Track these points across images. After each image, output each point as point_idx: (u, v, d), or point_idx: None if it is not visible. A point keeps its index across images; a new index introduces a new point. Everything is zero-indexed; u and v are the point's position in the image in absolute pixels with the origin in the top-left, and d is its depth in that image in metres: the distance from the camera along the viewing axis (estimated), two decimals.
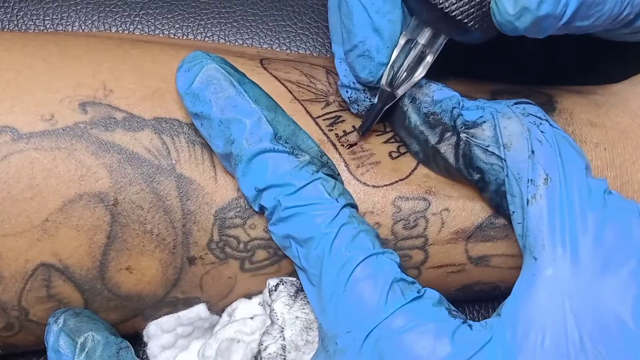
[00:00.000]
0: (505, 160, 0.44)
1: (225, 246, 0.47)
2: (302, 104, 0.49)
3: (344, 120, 0.49)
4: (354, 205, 0.45)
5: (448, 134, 0.46)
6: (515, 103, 0.46)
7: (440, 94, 0.47)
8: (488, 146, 0.44)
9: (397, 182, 0.48)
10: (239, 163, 0.44)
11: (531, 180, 0.42)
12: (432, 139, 0.46)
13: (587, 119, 0.51)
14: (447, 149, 0.46)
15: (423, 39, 0.47)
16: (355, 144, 0.48)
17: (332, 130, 0.49)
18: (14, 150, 0.44)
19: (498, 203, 0.46)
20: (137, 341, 0.50)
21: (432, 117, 0.46)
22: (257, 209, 0.45)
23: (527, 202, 0.42)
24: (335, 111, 0.50)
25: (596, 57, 0.62)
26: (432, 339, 0.40)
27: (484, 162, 0.45)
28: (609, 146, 0.50)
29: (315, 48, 0.63)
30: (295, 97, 0.49)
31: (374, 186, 0.48)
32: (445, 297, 0.51)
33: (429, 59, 0.47)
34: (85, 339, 0.45)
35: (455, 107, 0.46)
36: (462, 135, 0.45)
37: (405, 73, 0.47)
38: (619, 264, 0.41)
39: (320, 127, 0.49)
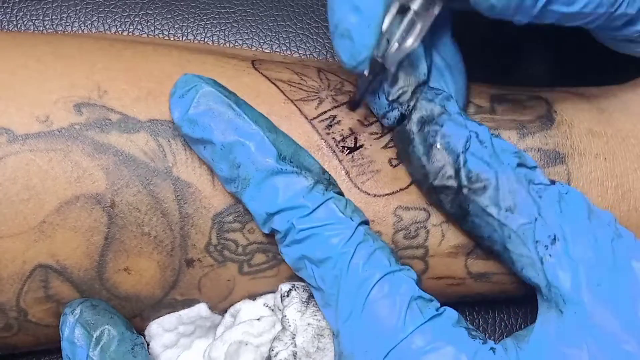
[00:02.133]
0: (506, 225, 0.43)
1: (224, 249, 0.47)
2: (295, 105, 0.48)
3: (339, 120, 0.49)
4: (367, 222, 0.45)
5: (449, 177, 0.45)
6: (519, 165, 0.45)
7: (449, 128, 0.45)
8: (487, 206, 0.44)
9: (398, 191, 0.48)
10: (247, 187, 0.44)
11: (539, 241, 0.43)
12: (432, 178, 0.45)
13: (588, 128, 0.51)
14: (445, 192, 0.45)
15: (415, 4, 0.44)
16: (355, 148, 0.48)
17: (329, 134, 0.48)
18: (10, 152, 0.44)
19: (483, 249, 0.47)
20: None
21: (436, 152, 0.45)
22: (267, 232, 0.45)
23: (541, 261, 0.42)
24: (329, 110, 0.49)
25: (598, 57, 0.61)
26: None
27: (479, 218, 0.44)
28: (609, 155, 0.50)
29: (315, 49, 0.63)
30: (288, 97, 0.49)
31: (375, 195, 0.47)
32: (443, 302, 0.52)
33: (419, 26, 0.44)
34: (101, 332, 0.45)
35: (462, 152, 0.45)
36: (463, 189, 0.44)
37: (397, 43, 0.44)
38: (636, 313, 0.41)
39: (317, 131, 0.48)
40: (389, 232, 0.47)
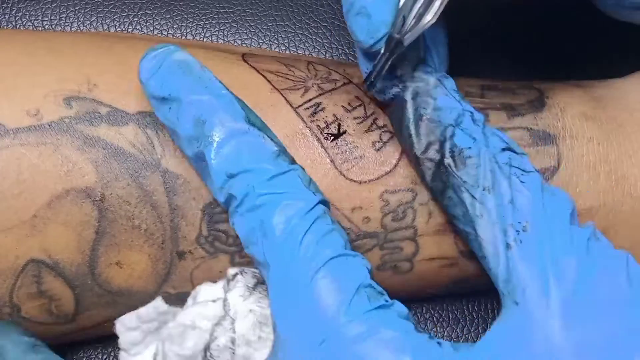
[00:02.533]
0: (482, 203, 0.42)
1: (215, 241, 0.47)
2: (281, 93, 0.48)
3: (324, 108, 0.49)
4: (327, 205, 0.44)
5: (434, 149, 0.44)
6: (504, 149, 0.44)
7: (443, 101, 0.45)
8: (465, 182, 0.43)
9: (383, 175, 0.47)
10: (209, 145, 0.43)
11: (511, 225, 0.41)
12: (417, 147, 0.45)
13: (581, 112, 0.50)
14: (426, 165, 0.45)
15: None
16: (339, 135, 0.48)
17: (313, 121, 0.48)
18: (1, 146, 0.45)
19: (459, 229, 0.45)
20: None
21: (427, 122, 0.45)
22: (222, 199, 0.43)
23: (507, 247, 0.41)
24: (314, 97, 0.49)
25: (596, 53, 0.61)
26: (392, 352, 0.39)
27: (456, 193, 0.44)
28: (603, 140, 0.49)
29: (314, 48, 0.63)
30: (274, 87, 0.49)
31: (361, 182, 0.47)
32: (441, 289, 0.51)
33: (437, 3, 0.43)
34: None
35: (451, 125, 0.44)
36: (445, 160, 0.44)
37: (414, 20, 0.43)
38: (601, 313, 0.40)
39: (302, 119, 0.48)
40: (378, 217, 0.47)
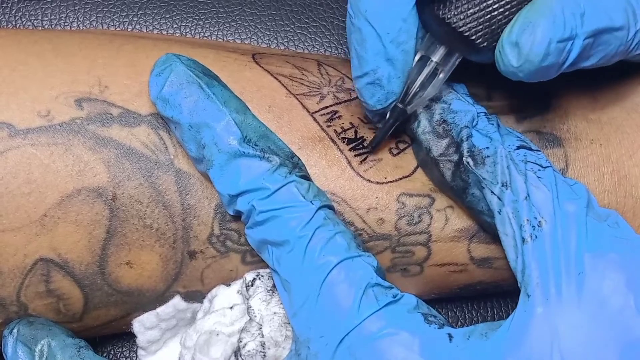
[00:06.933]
0: (500, 199, 0.43)
1: (227, 240, 0.47)
2: (297, 99, 0.49)
3: (340, 115, 0.49)
4: (330, 207, 0.45)
5: (451, 150, 0.46)
6: (519, 147, 0.45)
7: (457, 105, 0.46)
8: (484, 179, 0.44)
9: (401, 178, 0.48)
10: (211, 168, 0.44)
11: (527, 220, 0.42)
12: (435, 151, 0.46)
13: (583, 115, 0.51)
14: (446, 165, 0.46)
15: (436, 56, 0.46)
16: (356, 139, 0.48)
17: (330, 126, 0.49)
18: (11, 146, 0.45)
19: (482, 224, 0.47)
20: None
21: (442, 125, 0.46)
22: (232, 213, 0.45)
23: (523, 241, 0.42)
24: (330, 105, 0.49)
25: None
26: (403, 348, 0.40)
27: (478, 190, 0.45)
28: (604, 142, 0.50)
29: (313, 48, 0.63)
30: (290, 92, 0.49)
31: (377, 182, 0.48)
32: (448, 293, 0.51)
33: (441, 77, 0.46)
34: (42, 346, 0.45)
35: (467, 127, 0.45)
36: (464, 159, 0.45)
37: (418, 90, 0.46)
38: (614, 308, 0.40)
39: (318, 123, 0.48)
40: (392, 219, 0.47)
